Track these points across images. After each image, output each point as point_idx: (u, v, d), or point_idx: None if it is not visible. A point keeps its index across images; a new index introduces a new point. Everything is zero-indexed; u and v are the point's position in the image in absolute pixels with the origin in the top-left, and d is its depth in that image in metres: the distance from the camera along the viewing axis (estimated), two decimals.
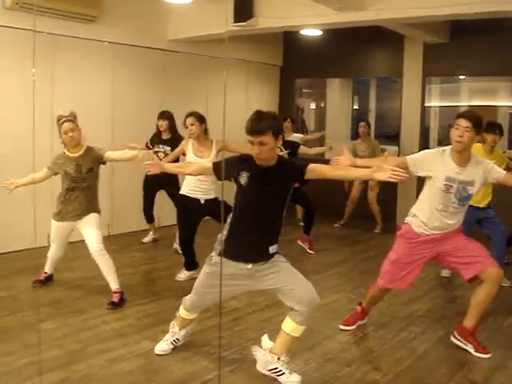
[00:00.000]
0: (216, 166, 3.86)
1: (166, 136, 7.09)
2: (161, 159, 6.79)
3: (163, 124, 7.04)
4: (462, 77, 11.05)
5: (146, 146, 7.11)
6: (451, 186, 4.15)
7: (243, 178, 3.62)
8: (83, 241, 5.22)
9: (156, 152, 6.84)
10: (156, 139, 7.14)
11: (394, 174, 3.39)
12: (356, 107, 12.76)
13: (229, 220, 3.75)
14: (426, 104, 9.99)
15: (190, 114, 5.78)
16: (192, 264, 5.99)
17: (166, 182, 6.94)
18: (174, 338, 4.24)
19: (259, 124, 3.51)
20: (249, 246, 3.68)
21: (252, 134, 3.50)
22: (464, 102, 11.84)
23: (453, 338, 4.49)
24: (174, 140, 6.83)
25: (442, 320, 5.11)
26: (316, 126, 12.21)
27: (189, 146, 5.89)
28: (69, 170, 5.12)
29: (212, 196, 5.76)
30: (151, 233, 7.89)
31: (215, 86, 8.98)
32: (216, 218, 5.63)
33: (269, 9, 7.33)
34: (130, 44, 7.96)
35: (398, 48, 9.37)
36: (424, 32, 8.27)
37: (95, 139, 5.51)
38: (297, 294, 3.66)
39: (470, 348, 4.36)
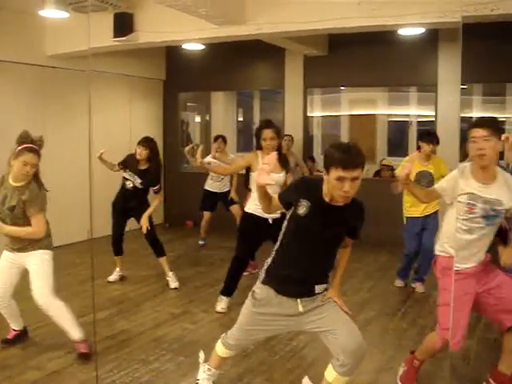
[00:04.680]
0: (281, 198, 3.33)
1: (143, 166, 6.35)
2: (127, 189, 6.35)
3: (143, 153, 6.27)
4: (342, 87, 11.44)
5: (118, 165, 6.47)
6: (474, 204, 3.54)
7: (302, 208, 3.13)
8: None
9: (125, 179, 6.38)
10: (130, 164, 6.39)
11: None
12: (241, 119, 12.89)
13: (276, 246, 3.35)
14: (309, 114, 10.28)
15: (271, 126, 5.26)
16: (233, 290, 5.61)
17: (136, 211, 6.42)
18: (210, 382, 3.80)
19: (355, 155, 2.97)
20: (293, 281, 3.26)
21: (347, 167, 2.92)
22: (345, 112, 12.28)
23: None
24: (150, 173, 6.32)
25: None
26: (201, 140, 12.23)
27: (259, 160, 5.20)
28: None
29: (279, 215, 4.86)
30: (118, 269, 6.77)
31: (97, 101, 8.81)
32: None
33: (149, 23, 7.26)
34: (7, 60, 7.64)
35: (280, 61, 9.59)
36: (303, 45, 8.48)
37: None
38: (341, 344, 3.22)
39: None
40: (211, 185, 8.44)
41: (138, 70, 9.84)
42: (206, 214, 8.59)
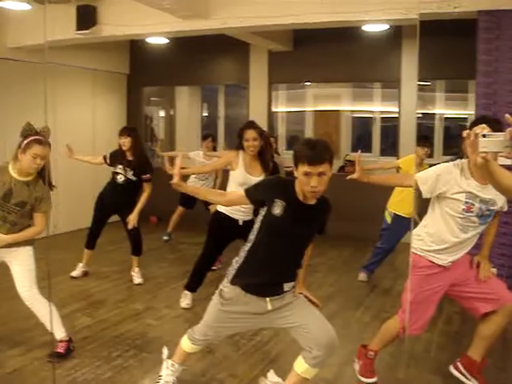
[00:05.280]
0: (250, 192, 3.32)
1: (130, 157, 6.23)
2: (119, 184, 6.20)
3: (126, 141, 6.16)
4: (307, 83, 11.48)
5: (104, 159, 6.38)
6: (473, 204, 3.52)
7: (277, 208, 3.13)
8: None
9: (116, 174, 6.23)
10: (118, 158, 6.27)
11: None
12: (206, 114, 12.85)
13: (247, 246, 3.32)
14: (274, 109, 10.29)
15: (254, 127, 5.18)
16: (197, 286, 5.58)
17: (124, 207, 6.28)
18: (174, 378, 3.75)
19: (321, 151, 3.03)
20: (264, 281, 3.27)
21: (312, 162, 2.98)
22: (310, 108, 12.32)
23: (453, 370, 3.98)
24: (139, 161, 6.21)
25: None
26: (166, 135, 12.16)
27: (239, 160, 5.23)
28: None
29: (250, 217, 5.06)
30: (82, 264, 6.63)
31: (60, 95, 8.69)
32: None
33: (113, 16, 7.20)
34: None
35: (244, 56, 9.57)
36: (268, 40, 8.47)
37: None
38: (314, 338, 3.26)
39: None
40: (195, 183, 8.28)
41: (101, 64, 9.71)
42: (181, 209, 8.48)
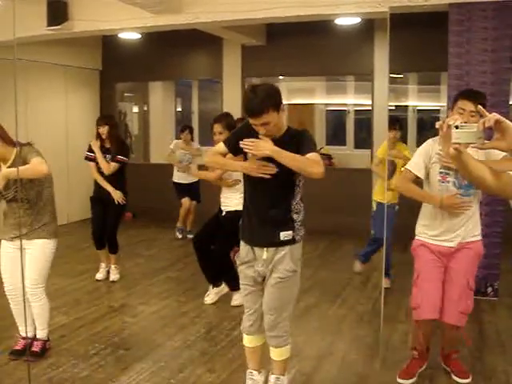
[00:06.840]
0: (226, 143, 3.44)
1: (108, 145, 6.17)
2: (102, 173, 6.11)
3: (104, 129, 6.10)
4: (280, 77, 11.47)
5: (89, 159, 6.22)
6: (447, 173, 3.59)
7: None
8: None
9: (97, 164, 6.14)
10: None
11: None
12: (179, 109, 12.78)
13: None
14: None
15: (221, 120, 5.20)
16: (216, 279, 5.54)
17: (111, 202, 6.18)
18: None
19: (261, 101, 3.07)
20: (255, 226, 3.36)
21: (253, 115, 3.11)
22: (284, 101, 12.19)
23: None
24: (116, 146, 6.16)
25: None
26: (140, 130, 12.08)
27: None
28: None
29: (232, 208, 5.16)
30: (103, 265, 6.48)
31: (32, 91, 8.59)
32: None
33: (85, 12, 7.11)
34: None
35: (218, 50, 9.56)
36: (241, 35, 8.46)
37: None
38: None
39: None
40: (178, 176, 8.40)
41: (73, 60, 9.62)
42: (185, 202, 8.42)
